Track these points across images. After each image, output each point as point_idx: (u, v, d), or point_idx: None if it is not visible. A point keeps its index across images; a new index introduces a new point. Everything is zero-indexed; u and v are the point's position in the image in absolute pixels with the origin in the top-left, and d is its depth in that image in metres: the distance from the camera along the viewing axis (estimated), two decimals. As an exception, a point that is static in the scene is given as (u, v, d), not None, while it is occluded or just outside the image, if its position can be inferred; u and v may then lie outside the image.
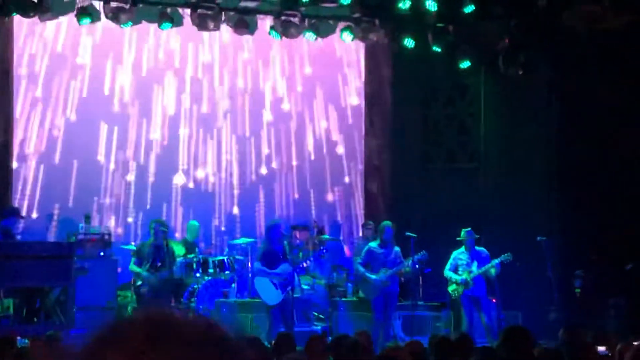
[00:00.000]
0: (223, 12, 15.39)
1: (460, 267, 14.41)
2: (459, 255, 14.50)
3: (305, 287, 15.28)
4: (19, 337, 9.72)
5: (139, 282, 14.08)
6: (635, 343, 8.80)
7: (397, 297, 14.43)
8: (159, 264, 13.65)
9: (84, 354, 2.18)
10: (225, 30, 16.07)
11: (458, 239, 14.47)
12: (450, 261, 14.48)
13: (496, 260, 14.22)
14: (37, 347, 8.50)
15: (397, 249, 14.25)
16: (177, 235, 16.73)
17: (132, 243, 15.64)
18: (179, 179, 17.03)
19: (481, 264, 14.28)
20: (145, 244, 14.05)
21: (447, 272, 14.44)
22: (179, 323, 2.18)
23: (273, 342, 9.00)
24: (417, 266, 14.34)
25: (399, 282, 14.45)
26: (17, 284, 13.33)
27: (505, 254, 14.23)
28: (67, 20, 15.70)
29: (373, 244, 14.29)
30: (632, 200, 15.49)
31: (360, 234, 16.78)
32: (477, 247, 14.52)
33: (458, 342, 8.82)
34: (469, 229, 14.47)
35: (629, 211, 15.48)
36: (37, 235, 15.50)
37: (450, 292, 14.54)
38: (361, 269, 14.14)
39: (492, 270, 14.23)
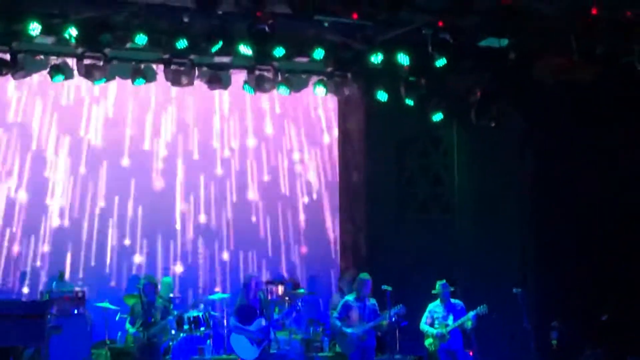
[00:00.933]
0: (196, 68, 15.42)
1: (436, 321, 14.37)
2: (435, 308, 14.46)
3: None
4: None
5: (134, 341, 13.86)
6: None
7: (374, 352, 14.34)
8: (151, 320, 13.51)
9: None
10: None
11: (433, 292, 14.43)
12: (426, 314, 14.44)
13: (472, 313, 14.19)
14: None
15: (373, 301, 14.20)
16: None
17: (106, 301, 15.48)
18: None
19: (457, 317, 14.24)
20: (137, 302, 13.83)
21: (423, 326, 14.40)
22: None
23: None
24: (394, 320, 14.26)
25: (375, 336, 14.36)
26: (-11, 344, 13.14)
27: (481, 306, 14.20)
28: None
29: (349, 298, 14.22)
30: (606, 250, 15.53)
31: (339, 287, 16.66)
32: (452, 300, 14.50)
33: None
34: (444, 281, 14.46)
35: (604, 261, 15.51)
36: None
37: (427, 345, 14.49)
38: (338, 323, 14.06)
39: (469, 323, 14.19)
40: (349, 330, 13.95)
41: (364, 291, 14.05)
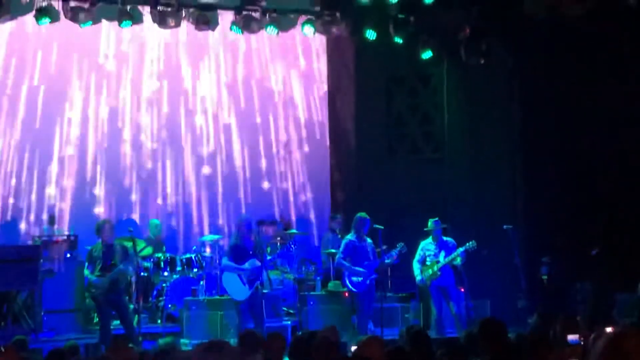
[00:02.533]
0: (183, 9, 15.28)
1: (428, 258, 14.44)
2: (427, 245, 14.53)
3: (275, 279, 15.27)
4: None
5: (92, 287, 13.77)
6: (608, 330, 8.88)
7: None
8: (110, 263, 13.39)
9: None
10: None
11: (425, 229, 14.49)
12: (419, 252, 14.50)
13: (461, 249, 14.26)
14: (9, 353, 8.39)
15: (369, 240, 14.25)
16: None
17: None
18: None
19: (448, 254, 14.32)
20: (95, 246, 13.62)
21: (415, 263, 14.47)
22: None
23: (238, 339, 8.92)
24: (398, 260, 14.36)
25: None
26: (-17, 289, 13.19)
27: (470, 242, 14.28)
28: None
29: (350, 237, 14.21)
30: (595, 186, 15.61)
31: (330, 227, 16.69)
32: (444, 237, 14.57)
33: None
34: (437, 219, 14.51)
35: (593, 197, 15.58)
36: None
37: (418, 283, 14.58)
38: (346, 262, 14.08)
39: (458, 259, 14.28)
40: (360, 269, 13.99)
41: (364, 230, 14.10)
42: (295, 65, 18.15)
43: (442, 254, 14.34)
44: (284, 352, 8.32)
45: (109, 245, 13.43)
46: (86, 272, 13.51)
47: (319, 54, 18.26)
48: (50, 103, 16.54)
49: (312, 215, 18.07)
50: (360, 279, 14.05)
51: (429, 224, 14.44)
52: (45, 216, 15.88)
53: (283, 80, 18.08)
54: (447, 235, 14.71)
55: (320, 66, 18.28)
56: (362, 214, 14.23)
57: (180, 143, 17.44)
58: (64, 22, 14.70)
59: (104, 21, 15.54)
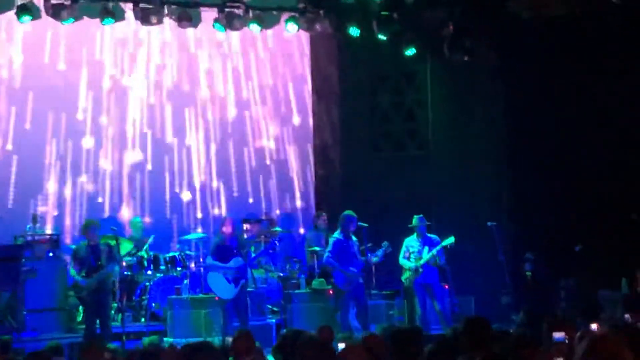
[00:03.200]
0: (165, 6, 15.21)
1: (412, 255, 14.45)
2: (411, 242, 14.54)
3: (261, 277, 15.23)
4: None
5: (78, 287, 13.70)
6: (593, 326, 8.88)
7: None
8: (95, 264, 13.33)
9: None
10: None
11: (410, 225, 14.50)
12: (403, 249, 14.51)
13: (438, 247, 14.28)
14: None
15: (355, 239, 14.22)
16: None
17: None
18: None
19: (432, 251, 14.32)
20: (80, 246, 13.60)
21: (402, 260, 14.48)
22: None
23: (231, 340, 8.88)
24: (382, 258, 14.34)
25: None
26: (-35, 290, 13.09)
27: (448, 239, 14.29)
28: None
29: (338, 236, 14.15)
30: (579, 183, 15.63)
31: (315, 225, 16.63)
32: (428, 234, 14.56)
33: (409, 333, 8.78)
34: (421, 215, 14.53)
35: (577, 193, 15.60)
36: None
37: (403, 280, 14.59)
38: (334, 262, 14.01)
39: (437, 259, 14.29)
40: (351, 268, 13.93)
41: (351, 228, 14.04)
42: (279, 62, 18.10)
43: (426, 250, 14.35)
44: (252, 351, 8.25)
45: (95, 246, 13.37)
46: (72, 272, 13.45)
47: (303, 51, 18.21)
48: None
49: (297, 213, 18.04)
50: (350, 278, 13.97)
51: (414, 220, 14.46)
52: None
53: (267, 77, 18.03)
54: (431, 232, 14.70)
55: (304, 63, 18.23)
56: (349, 212, 14.18)
57: (166, 138, 17.38)
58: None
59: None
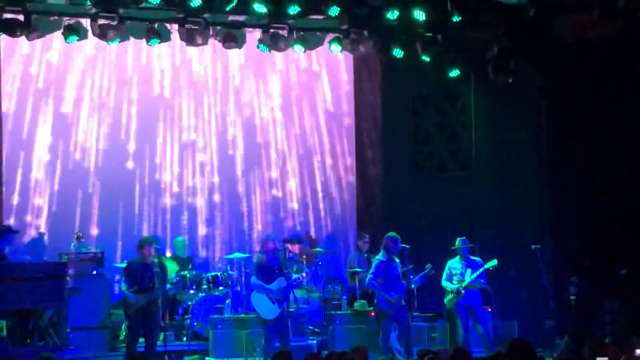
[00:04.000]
0: (210, 27, 15.32)
1: (454, 277, 14.37)
2: (453, 264, 14.46)
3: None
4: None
5: (128, 302, 13.74)
6: (638, 352, 8.79)
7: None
8: (148, 284, 13.34)
9: None
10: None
11: (453, 248, 14.43)
12: (446, 270, 14.44)
13: (480, 270, 14.19)
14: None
15: (398, 260, 14.15)
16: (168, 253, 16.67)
17: (125, 261, 15.48)
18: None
19: (474, 273, 14.24)
20: (133, 262, 13.61)
21: (444, 282, 14.41)
22: None
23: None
24: (424, 280, 14.28)
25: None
26: (10, 306, 13.18)
27: (490, 262, 14.21)
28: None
29: (381, 257, 14.07)
30: (624, 205, 15.49)
31: (357, 246, 16.62)
32: (471, 257, 14.48)
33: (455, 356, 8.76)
34: (464, 237, 14.45)
35: (622, 216, 15.46)
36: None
37: (446, 302, 14.50)
38: (377, 285, 13.91)
39: (479, 282, 14.20)
40: (391, 294, 13.86)
41: (394, 250, 13.98)
42: (322, 84, 18.13)
43: (469, 272, 14.26)
44: None
45: (149, 265, 13.36)
46: (123, 287, 13.47)
47: (346, 72, 18.23)
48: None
49: (338, 234, 18.01)
50: (392, 301, 13.89)
51: (457, 242, 14.38)
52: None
53: (308, 97, 18.06)
54: (474, 254, 14.62)
55: (347, 84, 18.24)
56: (393, 234, 14.11)
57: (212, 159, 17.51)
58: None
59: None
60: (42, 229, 16.36)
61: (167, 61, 17.22)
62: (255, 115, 17.78)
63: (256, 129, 17.77)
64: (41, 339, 13.47)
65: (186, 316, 15.15)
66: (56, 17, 14.78)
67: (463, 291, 14.22)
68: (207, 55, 17.27)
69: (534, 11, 14.63)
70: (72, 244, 15.20)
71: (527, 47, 15.73)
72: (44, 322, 13.66)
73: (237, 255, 15.99)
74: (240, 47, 15.76)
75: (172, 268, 15.31)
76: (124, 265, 14.09)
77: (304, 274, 15.08)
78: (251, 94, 17.74)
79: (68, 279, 13.82)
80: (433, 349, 10.77)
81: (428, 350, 9.87)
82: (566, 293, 15.20)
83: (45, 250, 16.05)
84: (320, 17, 15.37)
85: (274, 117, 17.88)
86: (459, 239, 14.42)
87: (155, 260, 13.58)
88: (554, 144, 16.15)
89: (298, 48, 15.84)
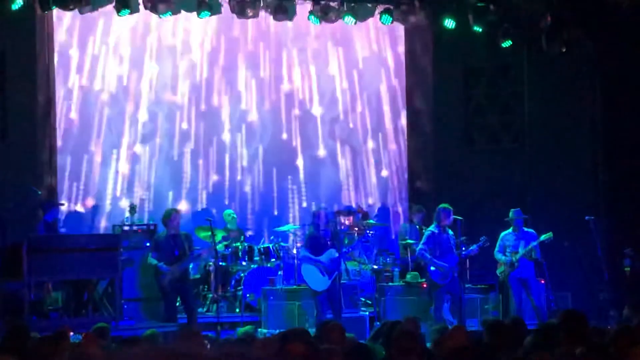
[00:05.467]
0: (261, -1, 15.31)
1: (507, 249, 14.28)
2: (507, 236, 14.36)
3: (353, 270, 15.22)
4: (71, 333, 9.71)
5: (161, 274, 13.91)
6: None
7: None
8: (178, 254, 13.56)
9: None
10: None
11: (506, 219, 14.30)
12: (499, 242, 14.34)
13: (534, 243, 14.07)
14: (90, 340, 8.48)
15: (451, 232, 14.08)
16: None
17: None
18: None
19: (527, 245, 14.13)
20: (160, 235, 13.90)
21: (497, 254, 14.31)
22: None
23: (317, 330, 8.90)
24: (477, 251, 14.18)
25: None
26: (65, 277, 13.35)
27: (546, 234, 14.08)
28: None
29: (433, 229, 14.02)
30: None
31: (410, 218, 16.59)
32: (525, 228, 14.35)
33: (511, 326, 8.73)
34: (518, 209, 14.32)
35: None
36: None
37: (498, 274, 14.42)
38: (428, 255, 13.89)
39: (533, 253, 14.09)
40: (442, 263, 13.81)
41: (446, 221, 13.91)
42: (373, 55, 18.05)
43: (522, 244, 14.15)
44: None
45: (175, 235, 13.60)
46: (152, 260, 13.69)
47: (397, 42, 18.12)
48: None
49: (390, 206, 17.97)
50: (444, 271, 13.84)
51: (510, 214, 14.26)
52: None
53: (360, 70, 17.99)
54: (528, 226, 14.50)
55: (398, 55, 18.14)
56: (445, 205, 14.04)
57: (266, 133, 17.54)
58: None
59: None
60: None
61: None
62: (301, 87, 17.80)
63: (300, 99, 17.84)
64: (95, 310, 13.61)
65: (239, 287, 15.22)
66: (108, -9, 14.86)
67: (517, 263, 14.12)
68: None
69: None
70: (126, 216, 15.34)
71: (581, 16, 15.50)
72: (98, 293, 13.82)
73: (288, 227, 16.03)
74: (290, 19, 15.72)
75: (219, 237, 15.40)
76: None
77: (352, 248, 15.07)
78: (299, 56, 17.74)
79: (121, 250, 13.94)
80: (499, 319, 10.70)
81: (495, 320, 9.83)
82: (621, 265, 15.03)
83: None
84: (371, -13, 15.28)
85: (320, 90, 17.89)
86: (512, 210, 14.31)
87: (208, 233, 13.77)
88: (607, 115, 15.95)
89: (349, 19, 15.76)
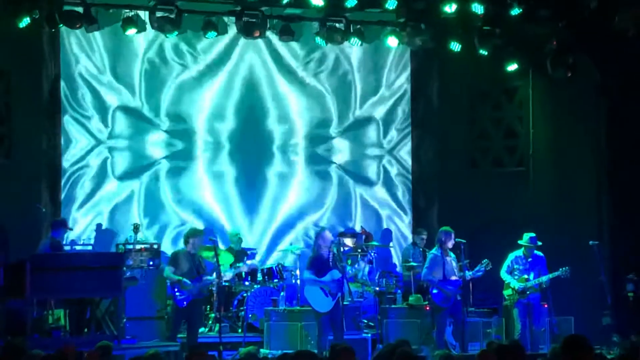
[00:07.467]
0: (268, 20, 15.37)
1: (515, 271, 14.16)
2: (517, 259, 14.21)
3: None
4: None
5: (177, 292, 13.83)
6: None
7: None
8: (197, 273, 13.60)
9: None
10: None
11: (519, 242, 14.18)
12: (507, 262, 14.21)
13: (550, 276, 14.01)
14: (93, 358, 8.48)
15: (453, 255, 14.07)
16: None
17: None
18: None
19: (537, 273, 14.02)
20: (180, 252, 13.86)
21: (504, 275, 14.20)
22: None
23: (327, 352, 8.89)
24: (481, 274, 14.13)
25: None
26: (68, 295, 13.33)
27: (563, 269, 13.93)
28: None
29: (435, 252, 14.00)
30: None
31: (411, 241, 16.60)
32: (536, 251, 14.24)
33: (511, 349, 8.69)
34: (533, 234, 14.17)
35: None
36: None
37: (506, 296, 14.32)
38: (434, 279, 13.82)
39: (544, 283, 14.06)
40: (449, 287, 13.80)
41: (448, 244, 13.89)
42: (379, 76, 18.05)
43: (532, 274, 14.05)
44: None
45: (194, 255, 13.61)
46: (169, 272, 13.61)
47: (403, 65, 18.14)
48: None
49: (393, 228, 17.95)
50: (447, 294, 13.81)
51: (524, 237, 14.13)
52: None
53: (367, 90, 17.99)
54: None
55: (404, 78, 18.14)
56: (447, 228, 14.03)
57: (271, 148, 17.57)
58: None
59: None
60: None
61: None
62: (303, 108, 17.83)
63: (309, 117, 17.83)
64: (98, 328, 13.62)
65: (241, 308, 15.21)
66: (115, 10, 14.93)
67: (529, 292, 14.05)
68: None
69: (595, 4, 14.44)
70: (130, 235, 15.36)
71: (587, 42, 15.54)
72: (101, 311, 13.82)
73: (291, 248, 16.03)
74: (297, 40, 15.79)
75: (227, 260, 15.36)
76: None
77: (357, 265, 15.04)
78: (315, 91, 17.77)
79: (125, 269, 13.94)
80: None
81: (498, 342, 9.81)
82: (624, 290, 15.01)
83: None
84: (377, 10, 15.33)
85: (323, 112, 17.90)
86: (526, 234, 14.17)
87: (211, 253, 13.78)
88: (612, 140, 15.96)
89: (354, 41, 15.83)
